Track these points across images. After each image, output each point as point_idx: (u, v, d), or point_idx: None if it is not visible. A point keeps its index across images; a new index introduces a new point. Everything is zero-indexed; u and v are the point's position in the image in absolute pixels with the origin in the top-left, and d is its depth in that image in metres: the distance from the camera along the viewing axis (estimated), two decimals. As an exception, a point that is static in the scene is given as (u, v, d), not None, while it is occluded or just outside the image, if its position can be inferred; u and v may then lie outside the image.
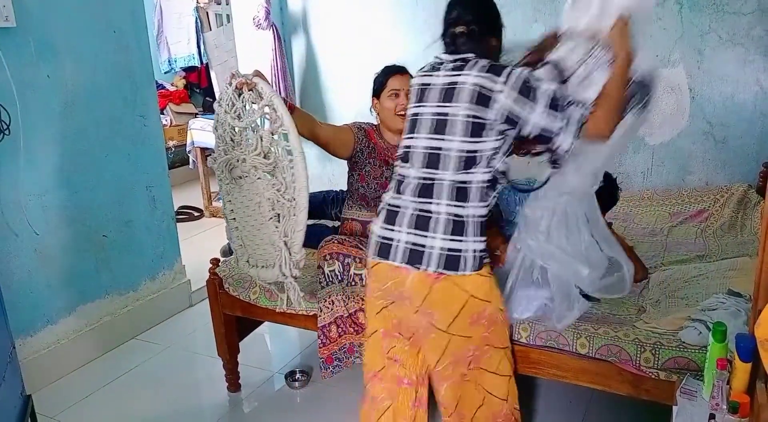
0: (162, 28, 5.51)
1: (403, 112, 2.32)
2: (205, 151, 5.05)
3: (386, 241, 1.72)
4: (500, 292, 1.80)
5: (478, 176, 1.65)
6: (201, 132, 4.87)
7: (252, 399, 2.62)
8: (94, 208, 2.91)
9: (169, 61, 5.63)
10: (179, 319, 3.32)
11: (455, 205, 1.65)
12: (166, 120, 5.20)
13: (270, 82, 4.15)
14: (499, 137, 1.64)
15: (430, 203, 1.67)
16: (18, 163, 2.53)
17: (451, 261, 1.65)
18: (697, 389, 1.54)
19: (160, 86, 5.09)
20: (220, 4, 4.97)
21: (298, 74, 4.54)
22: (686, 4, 3.17)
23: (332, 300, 2.23)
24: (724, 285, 2.06)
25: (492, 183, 1.68)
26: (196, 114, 5.34)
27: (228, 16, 4.88)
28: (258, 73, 2.04)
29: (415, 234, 1.67)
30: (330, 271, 2.25)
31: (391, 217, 1.73)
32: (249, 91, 2.00)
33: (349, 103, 4.29)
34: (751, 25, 3.06)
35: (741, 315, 1.79)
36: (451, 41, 1.77)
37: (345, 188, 2.60)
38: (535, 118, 1.61)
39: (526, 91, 1.60)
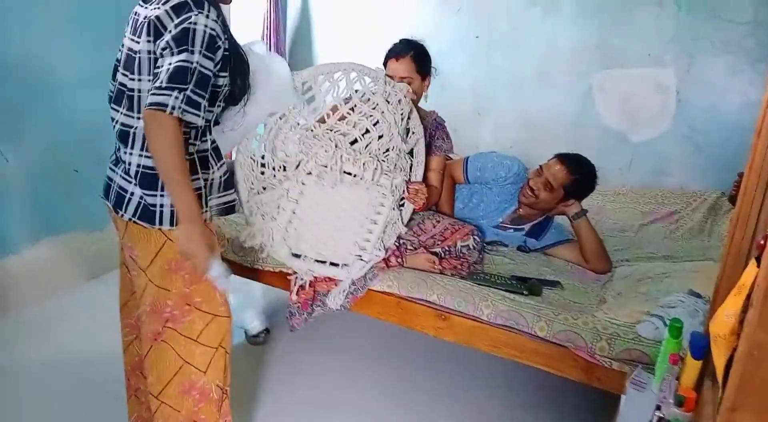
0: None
1: None
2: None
3: None
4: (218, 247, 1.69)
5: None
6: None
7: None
8: (67, 141, 2.85)
9: None
10: (144, 264, 3.30)
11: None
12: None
13: (262, 34, 4.10)
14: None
15: None
16: (-7, 86, 2.46)
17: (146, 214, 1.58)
18: (647, 381, 1.57)
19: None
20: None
21: (291, 29, 4.45)
22: (684, 7, 3.17)
23: None
24: (686, 285, 2.10)
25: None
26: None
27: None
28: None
29: None
30: None
31: None
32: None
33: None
34: (745, 35, 3.09)
35: (698, 315, 1.83)
36: None
37: None
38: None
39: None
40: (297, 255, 2.14)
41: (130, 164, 1.57)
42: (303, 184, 2.06)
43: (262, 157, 2.01)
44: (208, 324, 1.70)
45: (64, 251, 2.95)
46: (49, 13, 2.67)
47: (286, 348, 2.64)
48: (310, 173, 2.02)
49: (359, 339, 2.74)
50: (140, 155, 1.56)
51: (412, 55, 2.29)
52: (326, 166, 2.04)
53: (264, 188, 2.05)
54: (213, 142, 1.67)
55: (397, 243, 2.28)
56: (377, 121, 2.16)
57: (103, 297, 2.92)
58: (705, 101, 3.23)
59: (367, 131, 2.17)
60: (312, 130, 2.06)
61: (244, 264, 2.35)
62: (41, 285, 2.85)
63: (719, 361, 1.19)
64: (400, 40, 2.36)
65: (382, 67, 2.29)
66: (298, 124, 2.02)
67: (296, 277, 2.20)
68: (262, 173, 2.03)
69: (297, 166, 2.05)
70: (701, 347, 1.39)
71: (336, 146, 2.03)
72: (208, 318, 1.70)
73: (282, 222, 2.05)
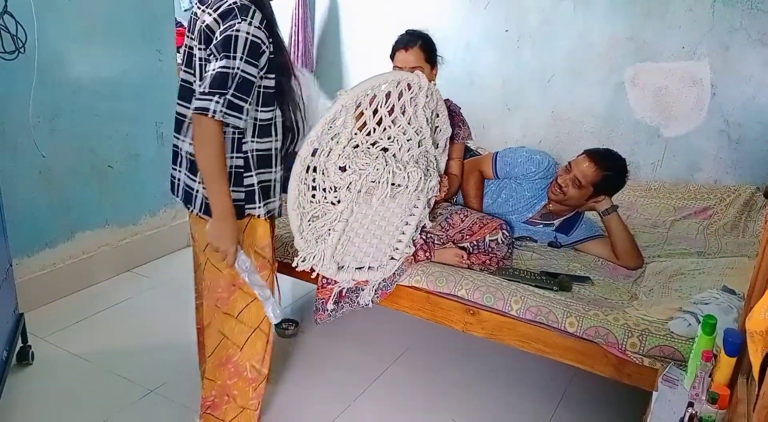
0: (186, -35, 5.43)
1: None
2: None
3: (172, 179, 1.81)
4: (269, 237, 1.82)
5: None
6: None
7: (239, 343, 2.65)
8: (102, 137, 2.91)
9: (190, 0, 5.56)
10: (176, 257, 3.35)
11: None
12: (181, 58, 5.15)
13: (290, 31, 4.13)
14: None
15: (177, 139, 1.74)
16: (30, 83, 2.51)
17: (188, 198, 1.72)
18: (679, 378, 1.55)
19: (178, 24, 5.03)
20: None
21: (319, 25, 4.48)
22: (720, -2, 3.11)
23: None
24: (720, 281, 2.07)
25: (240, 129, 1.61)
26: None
27: (255, -41, 4.78)
28: None
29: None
30: None
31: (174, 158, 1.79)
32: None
33: (367, 61, 4.24)
34: (783, 26, 3.01)
35: (732, 312, 1.80)
36: None
37: None
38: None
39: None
40: (340, 267, 2.13)
41: (193, 162, 1.66)
42: (354, 202, 2.03)
43: (313, 180, 1.92)
44: (248, 304, 1.81)
45: (98, 245, 3.01)
46: (84, 16, 2.71)
47: (315, 341, 2.66)
48: (360, 191, 2.00)
49: (388, 334, 2.74)
50: None
51: (421, 45, 2.26)
52: (375, 182, 2.00)
53: (316, 216, 1.98)
54: (278, 145, 1.74)
55: (424, 238, 2.28)
56: (410, 137, 2.11)
57: (136, 291, 2.98)
58: (741, 95, 3.17)
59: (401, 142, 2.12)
60: (359, 145, 1.96)
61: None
62: (76, 278, 2.91)
63: (755, 358, 1.17)
64: (406, 31, 2.33)
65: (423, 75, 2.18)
66: (349, 141, 1.95)
67: (337, 286, 2.22)
68: (313, 196, 1.94)
69: (348, 186, 1.96)
70: (735, 344, 1.36)
71: (386, 162, 2.00)
72: (249, 299, 1.80)
73: (332, 242, 2.03)
